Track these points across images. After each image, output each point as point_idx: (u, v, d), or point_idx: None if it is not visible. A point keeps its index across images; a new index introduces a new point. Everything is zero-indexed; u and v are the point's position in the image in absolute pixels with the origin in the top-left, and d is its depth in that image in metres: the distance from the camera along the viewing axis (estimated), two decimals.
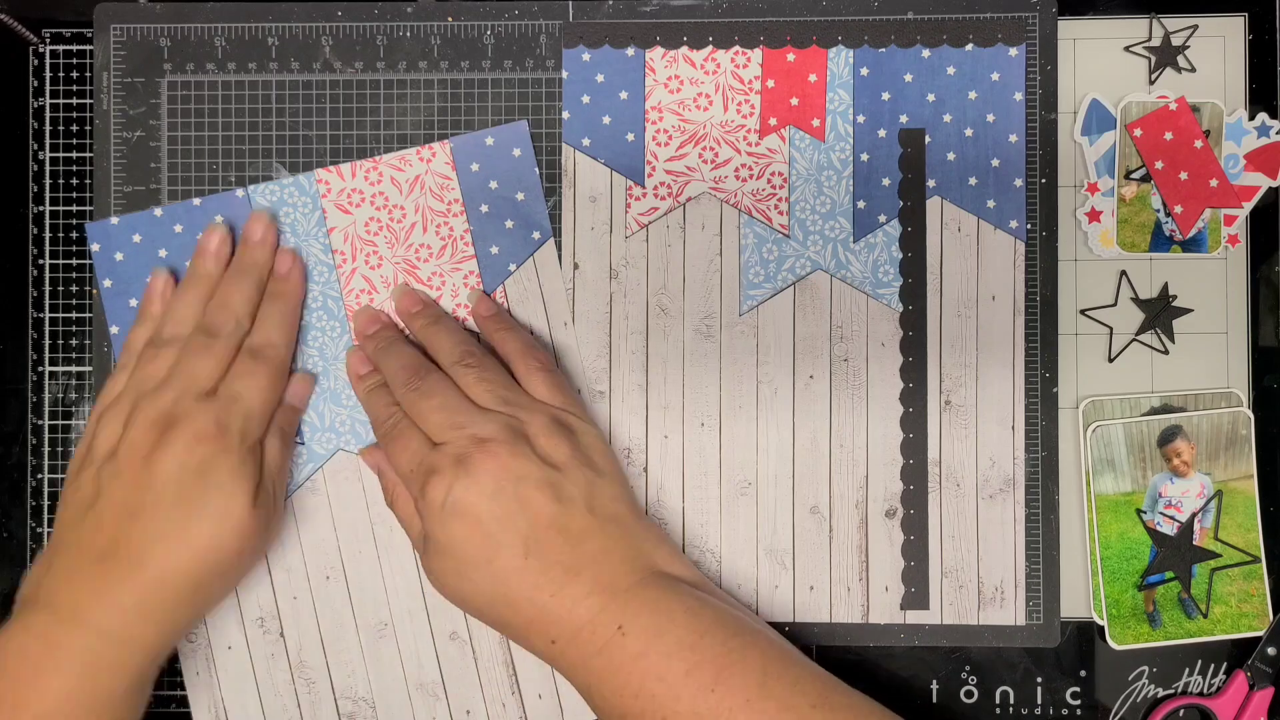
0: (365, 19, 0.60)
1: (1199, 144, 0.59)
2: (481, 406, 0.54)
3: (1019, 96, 0.59)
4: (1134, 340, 0.60)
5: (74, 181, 0.60)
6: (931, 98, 0.59)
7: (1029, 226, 0.59)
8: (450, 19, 0.60)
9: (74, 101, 0.60)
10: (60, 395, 0.60)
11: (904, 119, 0.59)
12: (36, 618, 0.51)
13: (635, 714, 0.50)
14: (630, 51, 0.60)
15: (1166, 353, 0.60)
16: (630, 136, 0.60)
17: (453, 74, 0.60)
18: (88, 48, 0.60)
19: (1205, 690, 0.60)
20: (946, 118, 0.59)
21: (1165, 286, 0.60)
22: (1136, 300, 0.60)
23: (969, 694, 0.60)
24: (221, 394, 0.54)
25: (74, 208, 0.60)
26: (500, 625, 0.53)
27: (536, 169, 0.59)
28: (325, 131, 0.60)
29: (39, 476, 0.60)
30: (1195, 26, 0.59)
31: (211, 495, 0.52)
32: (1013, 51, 0.59)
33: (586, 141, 0.60)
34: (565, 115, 0.60)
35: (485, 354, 0.56)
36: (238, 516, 0.52)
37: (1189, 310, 0.60)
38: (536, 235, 0.59)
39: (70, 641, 0.50)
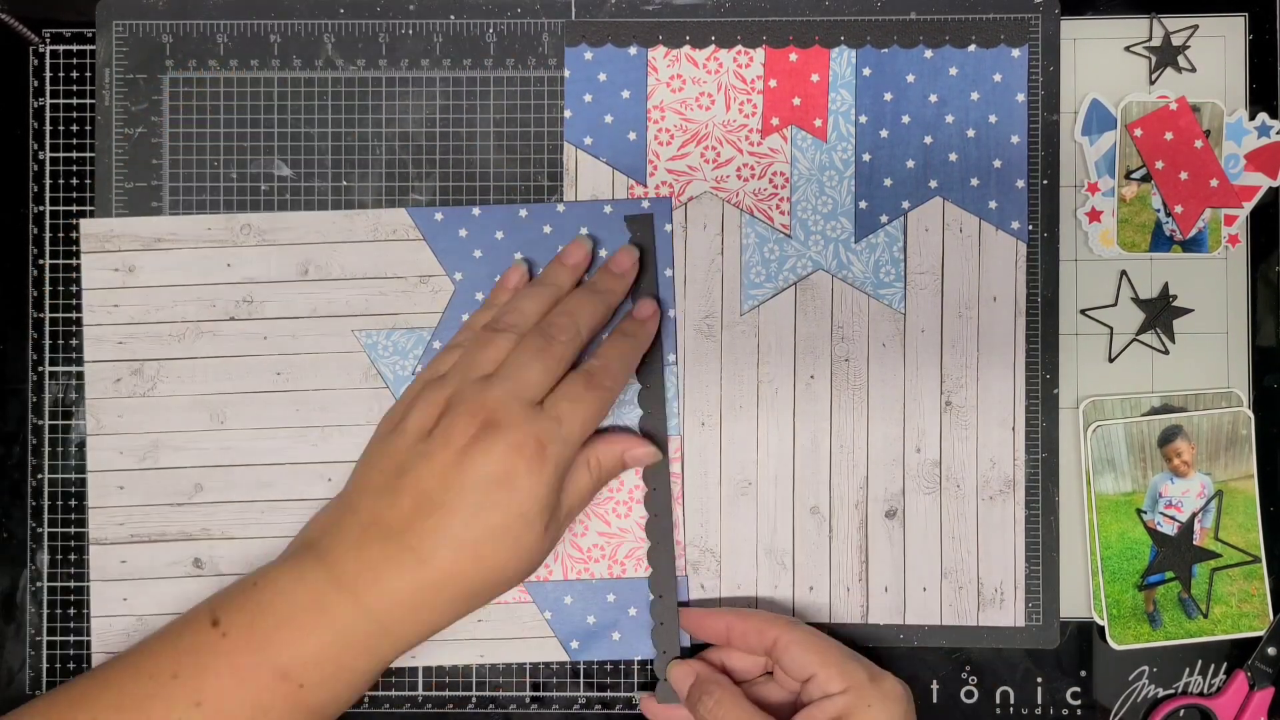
0: (367, 16, 0.60)
1: (1199, 144, 0.59)
2: None
3: (1021, 97, 0.59)
4: (1134, 340, 0.60)
5: (74, 181, 0.60)
6: (934, 98, 0.59)
7: (1030, 227, 0.59)
8: (452, 17, 0.60)
9: (74, 101, 0.60)
10: (60, 395, 0.60)
11: (906, 119, 0.59)
12: (314, 572, 0.51)
13: None
14: (633, 50, 0.60)
15: (1167, 353, 0.60)
16: (632, 135, 0.60)
17: (455, 72, 0.60)
18: (88, 47, 0.60)
19: (1205, 690, 0.60)
20: (949, 118, 0.59)
21: (1165, 286, 0.60)
22: (1137, 300, 0.60)
23: (969, 694, 0.60)
24: (547, 410, 0.52)
25: (74, 208, 0.60)
26: None
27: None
28: (327, 129, 0.60)
29: (39, 476, 0.60)
30: (1195, 26, 0.59)
31: (511, 519, 0.51)
32: (1015, 52, 0.59)
33: (589, 140, 0.60)
34: (567, 114, 0.60)
35: None
36: (528, 546, 0.52)
37: (1189, 310, 0.60)
38: None
39: (338, 610, 0.50)
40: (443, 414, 0.52)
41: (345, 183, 0.60)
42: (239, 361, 0.60)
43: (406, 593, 0.51)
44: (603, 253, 0.59)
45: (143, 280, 0.60)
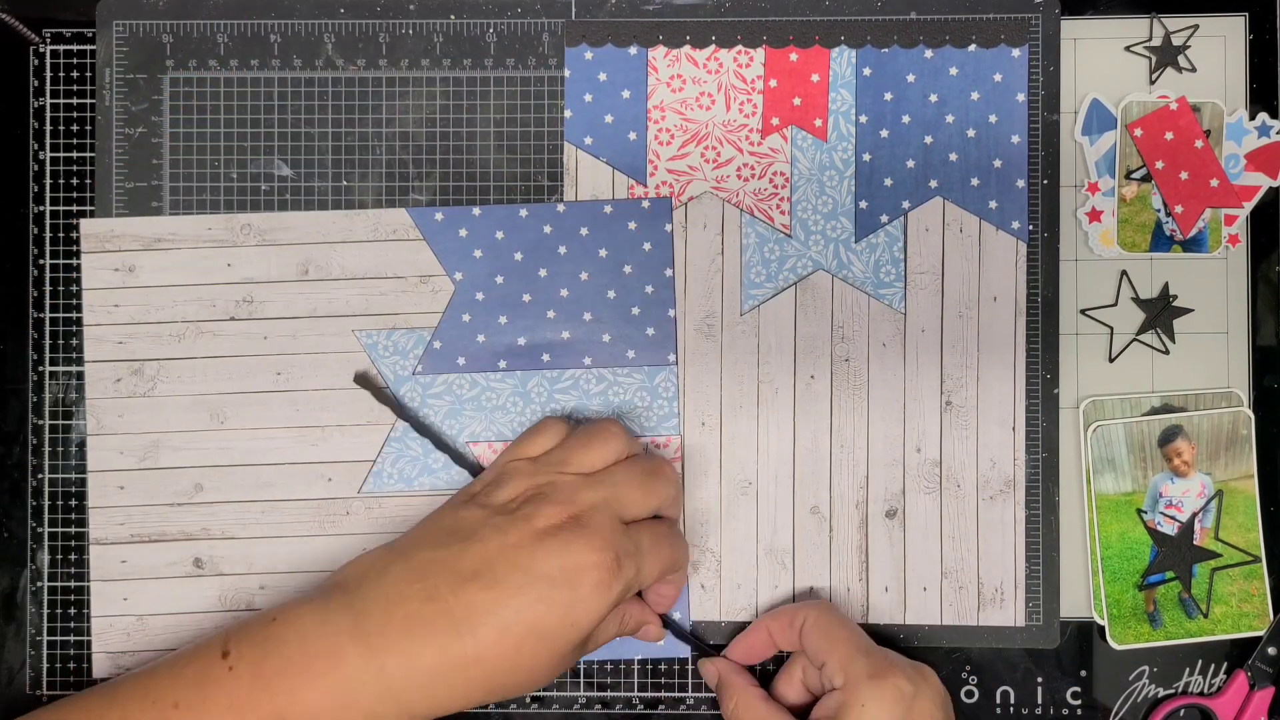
0: (367, 16, 0.60)
1: (1199, 144, 0.59)
2: None
3: (1021, 97, 0.59)
4: (1134, 340, 0.60)
5: (74, 181, 0.60)
6: (934, 98, 0.59)
7: (1030, 227, 0.59)
8: (453, 17, 0.60)
9: (74, 101, 0.60)
10: (60, 395, 0.60)
11: (906, 119, 0.59)
12: (339, 617, 0.49)
13: None
14: (633, 50, 0.60)
15: (1167, 353, 0.60)
16: (632, 135, 0.60)
17: (455, 72, 0.60)
18: (88, 47, 0.60)
19: (1205, 690, 0.60)
20: (949, 118, 0.59)
21: (1166, 286, 0.60)
22: (1137, 300, 0.60)
23: (969, 694, 0.60)
24: (632, 537, 0.51)
25: (74, 208, 0.60)
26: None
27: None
28: (327, 129, 0.60)
29: (39, 476, 0.60)
30: (1196, 26, 0.59)
31: (562, 625, 0.49)
32: (1015, 52, 0.59)
33: (589, 140, 0.60)
34: (567, 114, 0.60)
35: None
36: (561, 655, 0.50)
37: (1189, 310, 0.60)
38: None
39: (351, 665, 0.48)
40: (530, 497, 0.51)
41: (345, 183, 0.60)
42: (239, 361, 0.60)
43: (429, 662, 0.48)
44: (602, 252, 0.59)
45: (143, 280, 0.60)
